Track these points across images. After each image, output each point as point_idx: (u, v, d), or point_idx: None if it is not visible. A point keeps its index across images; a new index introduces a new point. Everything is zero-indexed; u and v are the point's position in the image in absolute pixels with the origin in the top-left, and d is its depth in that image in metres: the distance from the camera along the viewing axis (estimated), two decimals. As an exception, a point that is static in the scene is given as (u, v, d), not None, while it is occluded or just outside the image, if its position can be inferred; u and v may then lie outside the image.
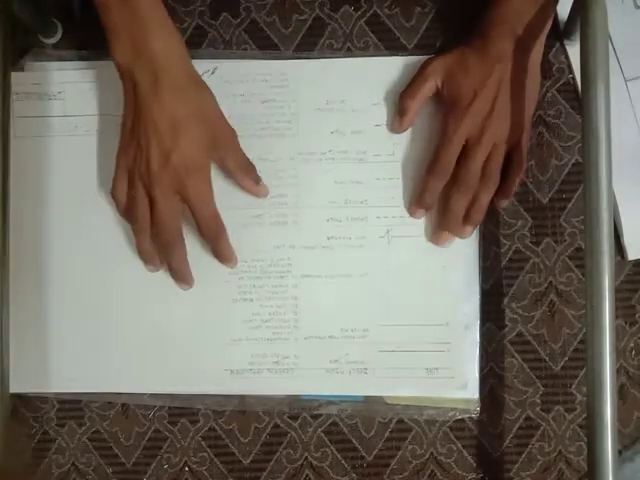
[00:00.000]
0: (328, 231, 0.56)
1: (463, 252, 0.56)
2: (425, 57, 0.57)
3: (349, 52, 0.59)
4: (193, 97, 0.50)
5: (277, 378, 0.56)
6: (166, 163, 0.49)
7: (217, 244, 0.54)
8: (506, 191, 0.56)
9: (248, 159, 0.54)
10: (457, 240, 0.56)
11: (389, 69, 0.58)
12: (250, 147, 0.57)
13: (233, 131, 0.53)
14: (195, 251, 0.56)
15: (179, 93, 0.49)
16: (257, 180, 0.55)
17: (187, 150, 0.49)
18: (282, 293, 0.56)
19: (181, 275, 0.55)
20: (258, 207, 0.57)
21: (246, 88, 0.58)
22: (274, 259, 0.57)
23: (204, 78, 0.55)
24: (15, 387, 0.55)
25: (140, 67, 0.49)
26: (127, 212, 0.54)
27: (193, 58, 0.53)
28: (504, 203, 0.56)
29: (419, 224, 0.56)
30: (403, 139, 0.57)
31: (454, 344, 0.55)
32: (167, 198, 0.51)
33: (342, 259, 0.56)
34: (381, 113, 0.57)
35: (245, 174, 0.54)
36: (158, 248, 0.54)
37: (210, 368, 0.56)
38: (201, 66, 0.56)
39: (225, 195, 0.57)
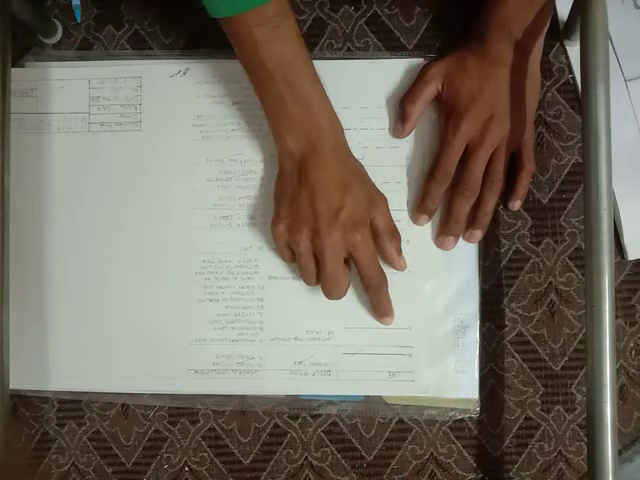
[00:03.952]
0: None
1: (463, 252, 0.56)
2: (416, 60, 0.57)
3: (349, 52, 0.59)
4: (353, 164, 0.54)
5: (241, 379, 0.56)
6: (335, 220, 0.51)
7: (378, 296, 0.54)
8: (517, 192, 0.56)
9: (396, 226, 0.54)
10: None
11: (355, 73, 0.57)
12: (220, 149, 0.57)
13: (384, 195, 0.54)
14: (160, 250, 0.57)
15: (342, 162, 0.53)
16: (400, 251, 0.54)
17: (353, 208, 0.51)
18: (248, 294, 0.56)
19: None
20: (226, 208, 0.57)
21: (218, 89, 0.58)
22: (241, 260, 0.57)
23: (175, 78, 0.57)
24: (15, 385, 0.55)
25: (309, 150, 0.52)
26: (288, 258, 0.55)
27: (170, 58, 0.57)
28: (517, 204, 0.56)
29: None
30: (370, 144, 0.57)
31: (417, 348, 0.55)
32: (336, 254, 0.51)
33: None
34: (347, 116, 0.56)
35: (391, 239, 0.53)
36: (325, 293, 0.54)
37: (174, 367, 0.56)
38: (172, 67, 0.58)
39: (193, 195, 0.57)
